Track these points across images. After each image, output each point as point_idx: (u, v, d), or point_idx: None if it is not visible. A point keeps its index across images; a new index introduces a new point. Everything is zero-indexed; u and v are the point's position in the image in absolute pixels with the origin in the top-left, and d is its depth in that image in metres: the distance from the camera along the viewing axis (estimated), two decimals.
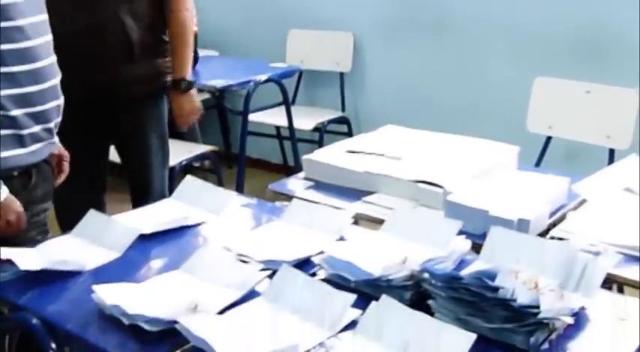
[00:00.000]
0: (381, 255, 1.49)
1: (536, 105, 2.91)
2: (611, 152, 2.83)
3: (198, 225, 1.79)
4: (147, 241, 1.70)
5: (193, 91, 2.60)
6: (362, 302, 1.34)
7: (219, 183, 3.68)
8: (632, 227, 1.65)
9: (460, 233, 1.65)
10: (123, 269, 1.58)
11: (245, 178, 3.87)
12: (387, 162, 2.04)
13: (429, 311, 1.33)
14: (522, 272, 1.27)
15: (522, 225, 1.66)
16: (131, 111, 2.51)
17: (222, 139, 4.64)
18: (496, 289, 1.25)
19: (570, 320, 1.24)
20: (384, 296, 1.30)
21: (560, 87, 2.89)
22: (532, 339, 1.23)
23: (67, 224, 1.89)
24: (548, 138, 2.93)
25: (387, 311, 1.28)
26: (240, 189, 3.81)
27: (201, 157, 3.65)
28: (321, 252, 1.53)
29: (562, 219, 1.79)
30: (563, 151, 3.24)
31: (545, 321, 1.22)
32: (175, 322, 1.27)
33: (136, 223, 1.74)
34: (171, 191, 2.19)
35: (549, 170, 2.16)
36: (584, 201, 1.84)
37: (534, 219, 1.66)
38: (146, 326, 1.29)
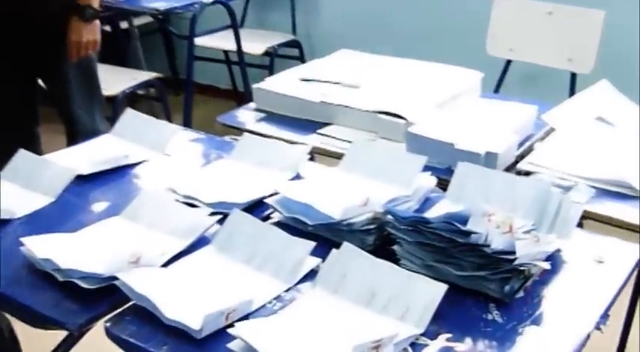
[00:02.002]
0: (340, 195, 1.37)
1: (497, 28, 2.78)
2: (573, 76, 2.74)
3: (141, 163, 1.64)
4: (84, 183, 1.55)
5: (97, 22, 2.41)
6: (321, 250, 1.23)
7: (166, 111, 3.51)
8: (605, 159, 1.56)
9: (424, 168, 1.54)
10: (57, 216, 1.43)
11: (194, 105, 3.70)
12: (343, 91, 1.90)
13: (393, 257, 1.23)
14: (495, 214, 1.17)
15: (490, 159, 1.55)
16: (47, 37, 2.34)
17: (167, 65, 4.43)
18: (468, 234, 1.14)
19: (547, 266, 1.15)
20: (345, 244, 1.19)
21: (521, 7, 2.75)
22: (507, 287, 1.14)
23: None
24: (508, 62, 2.82)
25: (350, 261, 1.17)
26: (188, 117, 3.64)
27: (145, 85, 3.46)
28: (275, 193, 1.40)
29: (529, 150, 1.69)
30: (522, 76, 3.14)
31: (520, 268, 1.12)
32: (115, 278, 1.14)
33: (72, 163, 1.58)
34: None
35: (509, 96, 2.05)
36: (551, 131, 1.74)
37: (503, 151, 1.56)
38: (82, 283, 1.15)
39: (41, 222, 1.41)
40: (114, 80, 3.20)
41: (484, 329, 1.09)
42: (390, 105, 1.76)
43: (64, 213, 1.44)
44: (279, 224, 1.37)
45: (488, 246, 1.13)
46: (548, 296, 1.16)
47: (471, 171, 1.40)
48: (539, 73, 3.08)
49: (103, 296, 1.15)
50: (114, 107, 3.12)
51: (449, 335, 1.07)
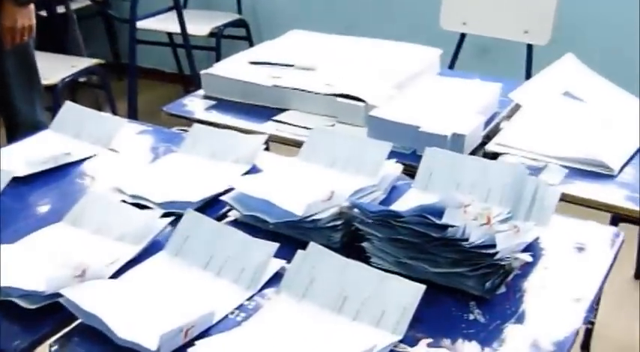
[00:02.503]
0: (301, 189, 1.28)
1: (450, 0, 2.70)
2: (529, 48, 2.68)
3: (84, 161, 1.52)
4: (21, 186, 1.42)
5: (32, 7, 2.26)
6: (285, 250, 1.13)
7: (110, 99, 3.36)
8: (576, 136, 1.49)
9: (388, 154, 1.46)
10: None
11: (138, 91, 3.55)
12: (298, 74, 1.80)
13: (363, 255, 1.14)
14: (472, 205, 1.08)
15: (457, 141, 1.47)
16: None
17: (109, 50, 4.24)
18: (444, 227, 1.06)
19: (529, 259, 1.07)
20: (311, 244, 1.09)
21: None
22: (487, 283, 1.06)
23: None
24: (462, 36, 2.75)
25: (317, 262, 1.08)
26: (133, 103, 3.49)
27: (86, 72, 3.28)
28: (231, 189, 1.30)
29: (496, 130, 1.61)
30: (477, 50, 3.07)
31: (501, 262, 1.04)
32: (59, 295, 1.03)
33: (7, 164, 1.45)
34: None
35: (465, 72, 1.97)
36: (517, 108, 1.67)
37: (469, 132, 1.48)
38: (22, 303, 1.04)
39: None
40: (52, 68, 3.03)
41: (466, 330, 1.01)
42: (347, 88, 1.67)
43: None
44: (237, 223, 1.27)
45: (466, 240, 1.04)
46: (530, 291, 1.08)
47: (439, 157, 1.32)
48: (495, 46, 3.02)
49: (47, 315, 1.04)
50: (54, 97, 2.96)
51: (430, 340, 0.99)
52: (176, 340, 0.97)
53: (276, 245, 1.12)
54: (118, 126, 1.61)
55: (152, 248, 1.19)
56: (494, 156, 1.50)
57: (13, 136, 2.30)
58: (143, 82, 3.75)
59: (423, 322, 1.02)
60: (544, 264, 1.14)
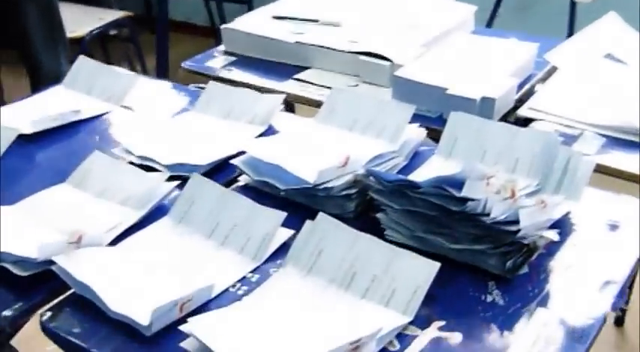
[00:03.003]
0: (316, 153, 1.20)
1: None
2: (572, 5, 2.54)
3: (94, 119, 1.46)
4: (28, 144, 1.37)
5: None
6: (296, 219, 1.06)
7: (139, 53, 3.30)
8: (616, 102, 1.38)
9: (414, 116, 1.37)
10: None
11: (169, 45, 3.48)
12: (322, 30, 1.71)
13: (378, 226, 1.06)
14: (495, 177, 0.99)
15: (486, 105, 1.37)
16: None
17: (141, 2, 4.17)
18: (463, 201, 0.97)
19: (555, 237, 0.98)
20: (321, 214, 1.02)
21: None
22: (509, 263, 0.97)
23: None
24: None
25: (326, 234, 1.00)
26: (162, 58, 3.43)
27: (115, 25, 3.22)
28: (243, 152, 1.22)
29: (530, 94, 1.51)
30: (517, 6, 2.93)
31: (524, 241, 0.96)
32: (52, 262, 0.97)
33: (14, 120, 1.40)
34: None
35: (503, 31, 1.85)
36: (554, 70, 1.56)
37: (500, 96, 1.38)
38: (14, 270, 0.99)
39: None
40: (79, 20, 2.97)
41: (483, 313, 0.93)
42: (373, 46, 1.57)
43: (2, 180, 1.26)
44: (247, 188, 1.21)
45: (488, 215, 0.96)
46: (555, 272, 1.00)
47: (466, 122, 1.22)
48: (536, 2, 2.88)
49: (40, 283, 0.99)
50: (81, 50, 2.91)
51: (442, 323, 0.91)
52: (170, 314, 0.91)
53: (284, 214, 1.05)
54: (132, 83, 1.54)
55: (157, 213, 1.13)
56: (526, 121, 1.40)
57: (36, 88, 2.26)
58: (174, 36, 3.67)
59: (436, 302, 0.95)
60: (572, 242, 1.05)
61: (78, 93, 1.55)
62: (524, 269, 0.99)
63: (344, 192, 1.11)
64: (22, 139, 1.36)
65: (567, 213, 1.09)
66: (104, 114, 1.47)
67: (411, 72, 1.47)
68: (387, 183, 1.06)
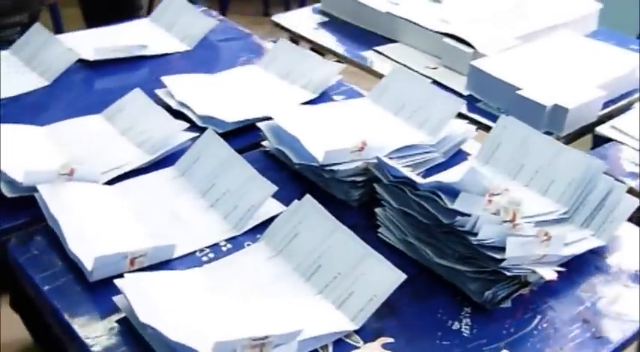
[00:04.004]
0: (342, 133, 1.13)
1: None
2: None
3: (160, 57, 1.46)
4: (88, 70, 1.39)
5: None
6: (301, 195, 0.99)
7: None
8: None
9: (480, 111, 1.27)
10: (41, 103, 1.28)
11: None
12: (419, 4, 1.61)
13: (375, 220, 0.99)
14: (501, 195, 0.88)
15: (557, 114, 1.24)
16: None
17: None
18: (453, 213, 0.88)
19: (551, 276, 0.86)
20: (307, 197, 0.95)
21: None
22: (488, 293, 0.87)
23: None
24: None
25: (306, 218, 0.94)
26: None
27: None
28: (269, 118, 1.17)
29: (623, 111, 1.34)
30: None
31: (507, 272, 0.85)
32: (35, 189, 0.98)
33: (82, 45, 1.42)
34: None
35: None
36: None
37: (575, 107, 1.23)
38: (3, 189, 1.00)
39: (24, 107, 1.27)
40: None
41: (440, 340, 0.84)
42: (462, 29, 1.45)
43: (50, 101, 1.29)
44: (268, 155, 1.16)
45: (475, 234, 0.86)
46: (546, 318, 0.87)
47: (513, 129, 1.10)
48: None
49: (25, 208, 0.99)
50: None
51: (389, 340, 0.83)
52: (117, 266, 0.88)
53: (274, 188, 0.99)
54: (207, 26, 1.52)
55: (168, 160, 1.11)
56: (604, 140, 1.25)
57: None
58: None
59: (394, 316, 0.86)
60: (583, 288, 0.92)
61: (159, 28, 1.56)
62: (507, 304, 0.88)
63: (349, 178, 1.03)
64: (84, 65, 1.39)
65: (594, 251, 0.96)
66: (172, 53, 1.47)
67: (489, 64, 1.34)
68: (390, 176, 0.97)
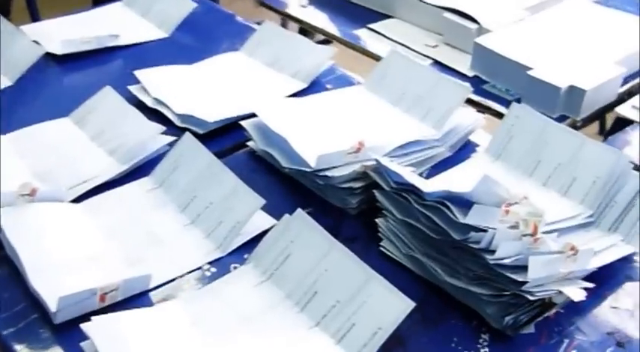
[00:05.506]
0: (339, 130, 1.02)
1: None
2: None
3: (134, 46, 1.33)
4: (56, 66, 1.27)
5: None
6: (294, 203, 0.88)
7: None
8: None
9: (488, 94, 1.15)
10: (4, 106, 1.16)
11: None
12: None
13: (377, 232, 0.88)
14: (520, 204, 0.77)
15: (574, 96, 1.12)
16: None
17: None
18: (466, 228, 0.76)
19: (580, 297, 0.75)
20: (298, 212, 0.84)
21: None
22: (508, 318, 0.76)
23: None
24: None
25: (299, 236, 0.82)
26: None
27: None
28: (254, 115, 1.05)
29: None
30: None
31: (530, 296, 0.74)
32: None
33: (48, 37, 1.30)
34: None
35: None
36: None
37: (593, 88, 1.12)
38: None
39: None
40: None
41: None
42: (464, 2, 1.33)
43: (14, 104, 1.17)
44: (254, 156, 1.04)
45: (492, 252, 0.75)
46: (575, 341, 0.77)
47: (527, 119, 0.98)
48: None
49: None
50: None
51: None
52: (86, 304, 0.78)
53: (262, 201, 0.88)
54: (187, 9, 1.39)
55: (147, 168, 1.00)
56: (623, 123, 1.13)
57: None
58: None
59: (405, 347, 0.76)
60: (611, 303, 0.81)
61: (133, 13, 1.43)
62: (530, 329, 0.77)
63: (347, 184, 0.92)
64: (51, 59, 1.26)
65: (628, 258, 0.85)
66: (147, 42, 1.34)
67: (495, 40, 1.22)
68: (393, 182, 0.86)
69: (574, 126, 1.11)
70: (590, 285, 0.77)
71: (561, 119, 1.12)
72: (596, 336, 0.78)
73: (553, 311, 0.79)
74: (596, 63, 1.17)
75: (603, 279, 0.82)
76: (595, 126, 1.20)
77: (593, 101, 1.13)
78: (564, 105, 1.13)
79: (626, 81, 1.20)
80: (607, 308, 0.81)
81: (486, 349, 0.76)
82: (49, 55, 1.27)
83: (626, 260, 0.86)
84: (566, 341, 0.77)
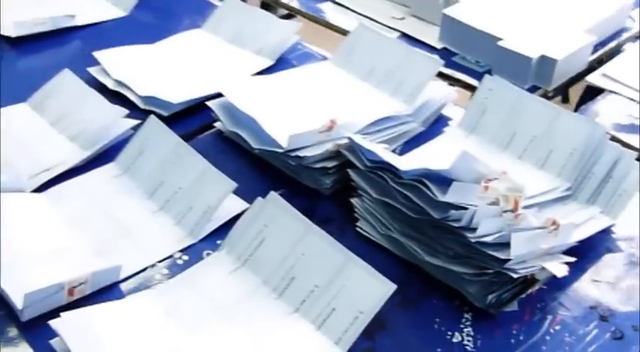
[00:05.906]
0: (308, 108, 0.99)
1: None
2: None
3: (93, 26, 1.28)
4: (10, 49, 1.21)
5: None
6: (267, 185, 0.86)
7: None
8: None
9: (457, 66, 1.13)
10: None
11: None
12: None
13: (353, 213, 0.86)
14: (499, 180, 0.75)
15: (545, 66, 1.11)
16: None
17: None
18: (446, 207, 0.75)
19: (563, 273, 0.74)
20: (271, 194, 0.81)
21: None
22: (491, 297, 0.75)
23: None
24: None
25: (274, 220, 0.80)
26: None
27: None
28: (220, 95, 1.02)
29: (613, 55, 1.21)
30: None
31: (513, 274, 0.72)
32: None
33: (1, 18, 1.24)
34: None
35: None
36: None
37: (564, 58, 1.10)
38: None
39: None
40: None
41: None
42: None
43: None
44: (222, 138, 1.01)
45: (473, 230, 0.73)
46: (559, 316, 0.76)
47: (500, 91, 0.97)
48: None
49: None
50: None
51: None
52: (54, 299, 0.74)
53: (234, 184, 0.85)
54: None
55: (111, 153, 0.96)
56: (595, 92, 1.12)
57: None
58: None
59: (387, 330, 0.74)
60: (592, 276, 0.81)
61: None
62: (513, 307, 0.76)
63: (319, 164, 0.89)
64: (5, 42, 1.21)
65: (606, 230, 0.84)
66: (105, 21, 1.29)
67: (464, 11, 1.20)
68: (367, 161, 0.84)
69: (545, 96, 1.10)
70: (572, 259, 0.76)
71: (532, 90, 1.11)
72: (579, 311, 0.77)
73: (536, 287, 0.77)
74: (565, 32, 1.15)
75: (583, 252, 0.81)
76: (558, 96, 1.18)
77: (564, 71, 1.12)
78: (535, 76, 1.11)
79: (595, 49, 1.19)
80: (588, 281, 0.80)
81: (469, 328, 0.74)
82: (1, 38, 1.21)
83: (605, 232, 0.85)
84: (550, 317, 0.76)
